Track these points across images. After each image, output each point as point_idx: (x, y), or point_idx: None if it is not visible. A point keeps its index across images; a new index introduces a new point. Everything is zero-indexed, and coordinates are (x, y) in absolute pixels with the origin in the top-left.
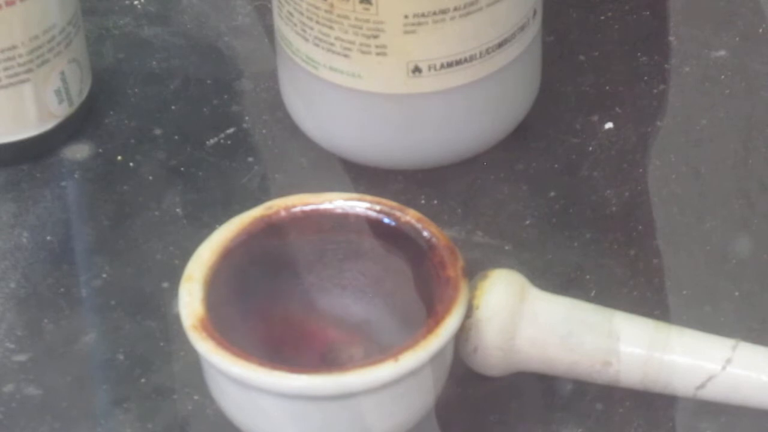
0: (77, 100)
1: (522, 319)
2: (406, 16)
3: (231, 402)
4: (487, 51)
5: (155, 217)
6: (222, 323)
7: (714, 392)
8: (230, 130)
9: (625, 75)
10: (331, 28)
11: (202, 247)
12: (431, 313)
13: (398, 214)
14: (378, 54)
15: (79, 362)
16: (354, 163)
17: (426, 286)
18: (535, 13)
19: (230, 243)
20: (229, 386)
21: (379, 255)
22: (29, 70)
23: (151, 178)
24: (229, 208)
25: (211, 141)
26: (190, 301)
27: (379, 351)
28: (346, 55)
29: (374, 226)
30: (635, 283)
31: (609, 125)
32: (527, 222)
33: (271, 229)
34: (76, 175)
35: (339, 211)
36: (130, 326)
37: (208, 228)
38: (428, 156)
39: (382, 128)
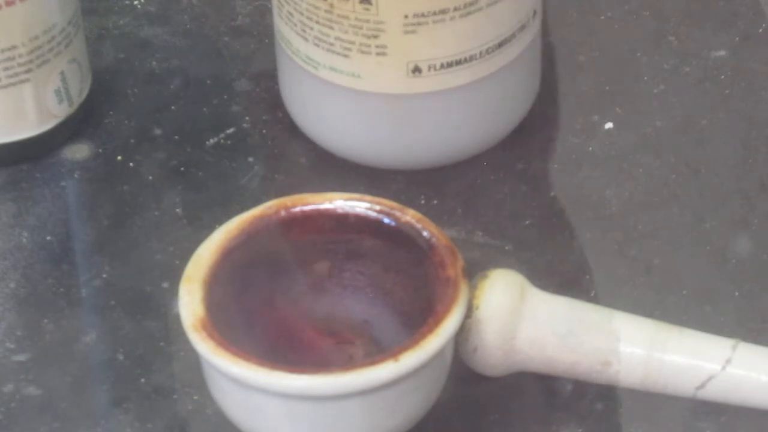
0: (77, 100)
1: (522, 319)
2: (406, 16)
3: (231, 402)
4: (487, 51)
5: (155, 217)
6: (222, 323)
7: (714, 392)
8: (230, 130)
9: (625, 75)
10: (331, 28)
11: (201, 247)
12: (431, 313)
13: (398, 214)
14: (378, 54)
15: (79, 362)
16: (354, 163)
17: (426, 286)
18: (535, 13)
19: (230, 243)
20: (229, 386)
21: (379, 255)
22: (29, 70)
23: (151, 178)
24: (229, 208)
25: (211, 141)
26: (190, 301)
27: (379, 351)
28: (346, 55)
29: (374, 226)
30: (635, 283)
31: (609, 125)
32: (527, 222)
33: (271, 229)
34: (76, 175)
35: (339, 211)
36: (130, 326)
37: (208, 228)
38: (428, 156)
39: (382, 128)
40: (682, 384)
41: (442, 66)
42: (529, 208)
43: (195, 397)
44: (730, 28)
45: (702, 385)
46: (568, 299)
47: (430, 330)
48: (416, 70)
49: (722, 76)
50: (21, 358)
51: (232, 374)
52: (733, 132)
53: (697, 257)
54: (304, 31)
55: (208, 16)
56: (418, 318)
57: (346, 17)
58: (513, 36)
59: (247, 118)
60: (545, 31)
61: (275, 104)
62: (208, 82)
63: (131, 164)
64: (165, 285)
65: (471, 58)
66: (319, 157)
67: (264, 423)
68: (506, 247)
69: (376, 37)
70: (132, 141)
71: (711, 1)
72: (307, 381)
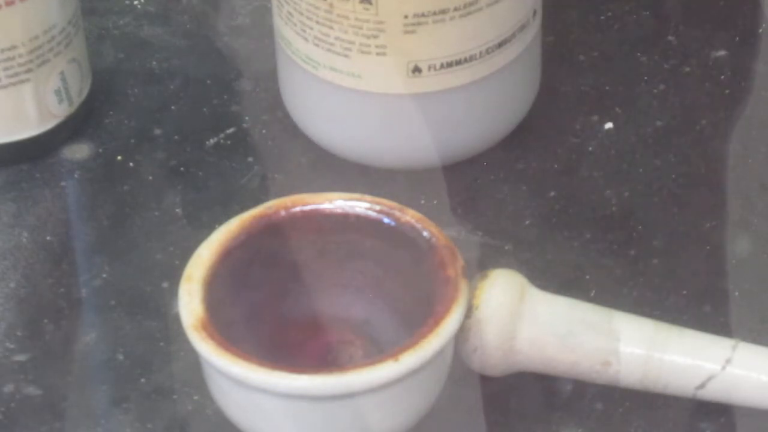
0: (77, 100)
1: (522, 319)
2: (406, 16)
3: (231, 402)
4: (487, 51)
5: (155, 217)
6: (222, 323)
7: (714, 392)
8: (230, 130)
9: (625, 75)
10: (331, 28)
11: (201, 247)
12: (431, 313)
13: (398, 214)
14: (378, 54)
15: (79, 362)
16: (354, 163)
17: (426, 286)
18: (535, 13)
19: (230, 243)
20: (229, 386)
21: (379, 255)
22: (29, 70)
23: (151, 178)
24: (229, 208)
25: (211, 141)
26: (190, 301)
27: (379, 351)
28: (346, 55)
29: (374, 226)
30: (635, 283)
31: (609, 125)
32: (527, 222)
33: (271, 229)
34: (76, 175)
35: (339, 211)
36: (130, 326)
37: (208, 228)
38: (428, 156)
39: (382, 128)
40: (682, 384)
41: (442, 66)
42: (529, 208)
43: (195, 397)
44: (730, 28)
45: (702, 385)
46: (568, 299)
47: (430, 330)
48: (416, 70)
49: (722, 76)
50: (21, 358)
51: (232, 374)
52: (733, 132)
53: (697, 257)
54: (304, 31)
55: (208, 16)
56: (418, 318)
57: (346, 17)
58: (513, 36)
59: (247, 118)
60: (545, 31)
61: (275, 104)
62: (208, 82)
63: (131, 164)
64: (165, 285)
65: (471, 58)
66: (319, 157)
67: (264, 423)
68: (506, 247)
69: (376, 37)
70: (132, 141)
71: (711, 1)
72: (307, 381)
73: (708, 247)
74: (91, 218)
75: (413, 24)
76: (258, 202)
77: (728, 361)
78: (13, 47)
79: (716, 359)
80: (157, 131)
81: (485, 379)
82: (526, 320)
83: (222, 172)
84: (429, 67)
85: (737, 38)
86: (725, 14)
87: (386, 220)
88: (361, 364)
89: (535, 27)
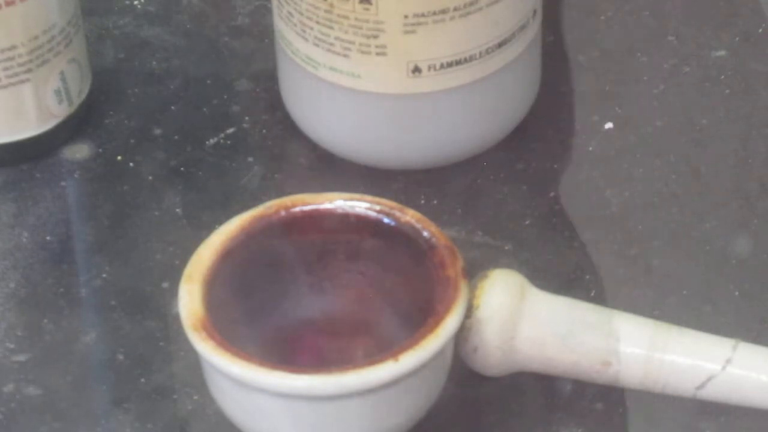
0: (77, 100)
1: (522, 319)
2: (405, 16)
3: (231, 402)
4: (487, 51)
5: (155, 217)
6: (222, 323)
7: (714, 392)
8: (230, 130)
9: (625, 75)
10: (330, 28)
11: (201, 247)
12: (431, 313)
13: (398, 214)
14: (378, 54)
15: (79, 362)
16: (354, 163)
17: (426, 286)
18: (535, 13)
19: (230, 243)
20: (229, 386)
21: (379, 255)
22: (29, 70)
23: (151, 178)
24: (229, 208)
25: (211, 141)
26: (190, 301)
27: (379, 351)
28: (345, 55)
29: (374, 226)
30: (635, 283)
31: (609, 125)
32: (527, 222)
33: (271, 229)
34: (76, 175)
35: (339, 211)
36: (130, 326)
37: (208, 228)
38: (428, 156)
39: (382, 128)
40: (682, 384)
41: (441, 66)
42: (529, 208)
43: (195, 397)
44: (730, 28)
45: (702, 385)
46: (568, 299)
47: (430, 330)
48: (416, 70)
49: (722, 76)
50: (21, 358)
51: (232, 374)
52: (733, 132)
53: (697, 257)
54: (304, 31)
55: (208, 16)
56: (418, 318)
57: (346, 17)
58: (513, 36)
59: (247, 118)
60: (545, 31)
61: (275, 104)
62: (208, 82)
63: (131, 164)
64: (165, 285)
65: (471, 58)
66: (319, 157)
67: (264, 423)
68: (506, 247)
69: (376, 37)
70: (132, 141)
71: (711, 1)
72: (307, 381)
73: (708, 247)
74: (91, 218)
75: (413, 24)
76: (258, 202)
77: (728, 361)
78: (13, 47)
79: (716, 359)
80: (157, 131)
81: (485, 379)
82: (526, 320)
83: (222, 172)
84: (429, 67)
85: (737, 38)
86: (725, 14)
87: (386, 220)
88: (361, 364)
89: (535, 27)
